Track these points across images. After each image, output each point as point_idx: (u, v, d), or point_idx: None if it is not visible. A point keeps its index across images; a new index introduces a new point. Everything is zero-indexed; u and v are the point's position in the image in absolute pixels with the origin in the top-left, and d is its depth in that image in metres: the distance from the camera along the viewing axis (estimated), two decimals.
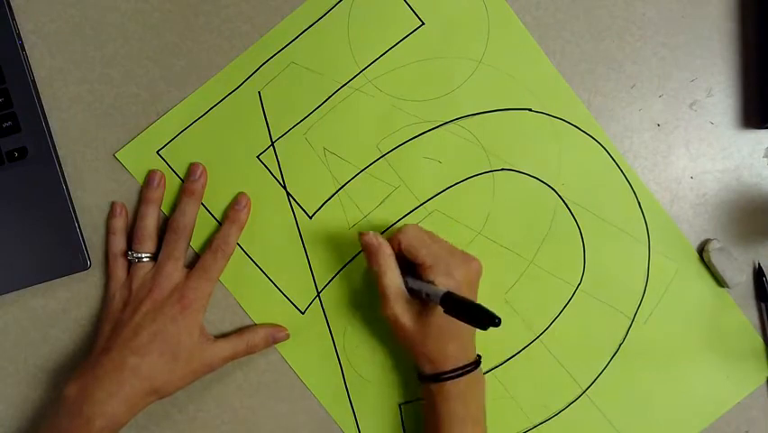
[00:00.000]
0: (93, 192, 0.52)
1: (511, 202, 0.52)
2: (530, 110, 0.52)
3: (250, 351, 0.50)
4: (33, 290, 0.51)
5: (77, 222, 0.51)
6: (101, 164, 0.52)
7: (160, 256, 0.50)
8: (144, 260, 0.50)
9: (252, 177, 0.52)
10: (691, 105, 0.52)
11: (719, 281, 0.52)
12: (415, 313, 0.46)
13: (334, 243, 0.52)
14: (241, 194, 0.51)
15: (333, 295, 0.52)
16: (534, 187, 0.52)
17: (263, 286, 0.52)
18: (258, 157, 0.52)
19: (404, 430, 0.52)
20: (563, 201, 0.52)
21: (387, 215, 0.52)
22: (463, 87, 0.52)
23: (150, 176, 0.51)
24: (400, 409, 0.52)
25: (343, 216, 0.52)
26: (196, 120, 0.52)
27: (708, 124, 0.52)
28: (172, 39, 0.52)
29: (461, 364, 0.46)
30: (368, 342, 0.52)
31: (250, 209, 0.51)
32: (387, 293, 0.46)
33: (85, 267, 0.51)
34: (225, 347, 0.49)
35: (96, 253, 0.51)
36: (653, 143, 0.52)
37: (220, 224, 0.51)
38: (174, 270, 0.49)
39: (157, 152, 0.52)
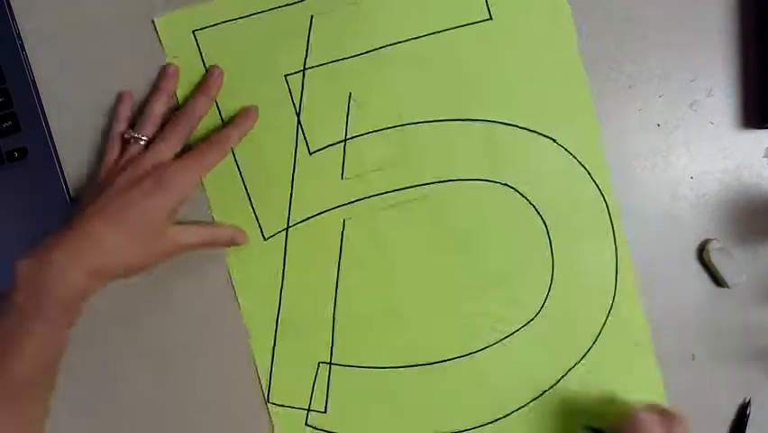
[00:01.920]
0: None
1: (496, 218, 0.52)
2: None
3: (214, 243, 0.50)
4: None
5: None
6: None
7: (156, 138, 0.48)
8: (141, 142, 0.48)
9: (272, 92, 0.51)
10: (691, 105, 0.52)
11: (719, 281, 0.52)
12: None
13: (322, 186, 0.51)
14: (253, 107, 0.51)
15: (299, 237, 0.51)
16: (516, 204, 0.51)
17: (239, 197, 0.51)
18: (285, 76, 0.51)
19: (313, 389, 0.52)
20: (543, 223, 0.52)
21: (380, 183, 0.51)
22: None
23: (166, 67, 0.50)
24: (318, 367, 0.52)
25: (340, 165, 0.51)
26: (243, 17, 0.51)
27: (708, 124, 0.52)
28: None
29: None
30: (312, 292, 0.52)
31: (255, 121, 0.50)
32: None
33: None
34: (193, 232, 0.48)
35: None
36: (653, 143, 0.52)
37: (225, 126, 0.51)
38: (164, 149, 0.48)
39: (193, 32, 0.51)
